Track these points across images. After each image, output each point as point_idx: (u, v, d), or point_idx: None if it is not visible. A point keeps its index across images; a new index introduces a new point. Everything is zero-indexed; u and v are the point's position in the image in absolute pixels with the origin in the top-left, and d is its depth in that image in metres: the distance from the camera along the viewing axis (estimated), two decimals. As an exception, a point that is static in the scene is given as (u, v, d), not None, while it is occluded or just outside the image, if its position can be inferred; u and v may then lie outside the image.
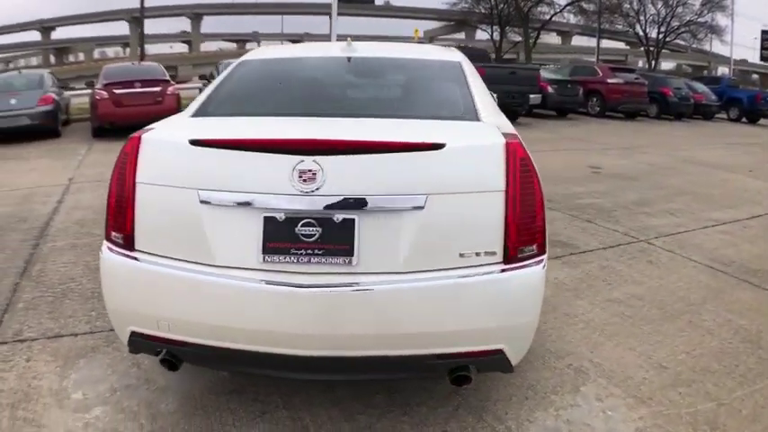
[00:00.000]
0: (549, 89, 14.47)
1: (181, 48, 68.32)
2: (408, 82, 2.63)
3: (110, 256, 1.93)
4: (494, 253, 1.81)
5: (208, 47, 68.74)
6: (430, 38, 37.69)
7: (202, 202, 1.82)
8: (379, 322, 1.77)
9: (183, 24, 67.28)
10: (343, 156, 1.78)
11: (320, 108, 2.31)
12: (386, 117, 2.19)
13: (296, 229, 1.78)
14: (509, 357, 1.87)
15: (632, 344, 2.77)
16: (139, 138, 1.95)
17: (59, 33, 66.31)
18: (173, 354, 1.91)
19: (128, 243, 1.91)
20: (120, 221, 1.92)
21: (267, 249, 1.78)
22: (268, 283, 1.76)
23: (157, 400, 2.24)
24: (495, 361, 1.87)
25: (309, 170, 1.77)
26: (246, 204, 1.79)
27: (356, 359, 1.82)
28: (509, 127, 2.17)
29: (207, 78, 12.12)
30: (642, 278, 3.66)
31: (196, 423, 2.11)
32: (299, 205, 1.76)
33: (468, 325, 1.80)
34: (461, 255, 1.80)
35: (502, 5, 29.53)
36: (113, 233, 1.94)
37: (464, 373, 1.86)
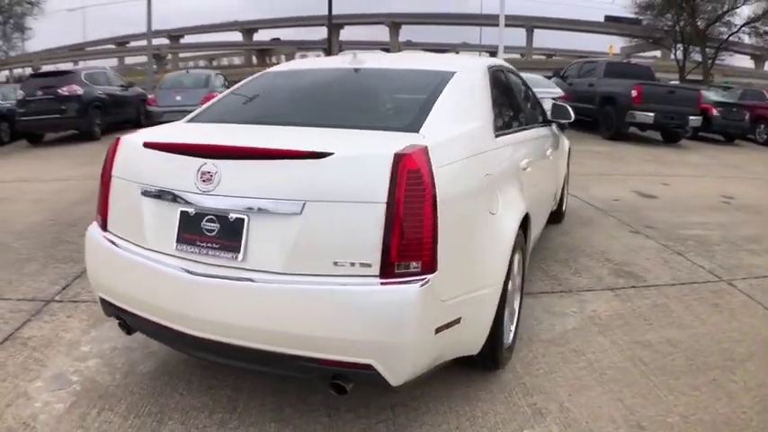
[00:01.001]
0: (714, 112, 12.47)
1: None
2: (380, 93, 2.53)
3: (91, 235, 2.22)
4: (369, 265, 1.71)
5: None
6: (626, 54, 35.31)
7: (142, 194, 2.01)
8: (255, 317, 1.79)
9: (383, 32, 69.95)
10: (236, 160, 1.86)
11: (276, 117, 2.34)
12: (327, 127, 2.14)
13: (201, 223, 1.89)
14: (383, 374, 1.74)
15: (624, 395, 2.31)
16: (119, 139, 2.21)
17: (261, 35, 72.28)
18: (122, 319, 2.14)
19: (103, 225, 2.18)
20: (101, 207, 2.20)
21: (180, 239, 1.92)
22: (175, 268, 1.89)
23: (140, 361, 2.50)
24: (368, 376, 1.75)
25: (208, 172, 1.87)
26: (169, 198, 1.95)
27: (238, 348, 1.84)
28: (443, 140, 1.98)
29: None
30: (693, 322, 3.02)
31: (155, 384, 2.31)
32: (203, 203, 1.87)
33: (335, 333, 1.72)
34: (335, 263, 1.74)
35: (682, 23, 26.09)
36: (98, 216, 2.23)
37: (340, 382, 1.78)
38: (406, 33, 70.26)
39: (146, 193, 2.02)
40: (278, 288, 1.76)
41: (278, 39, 70.63)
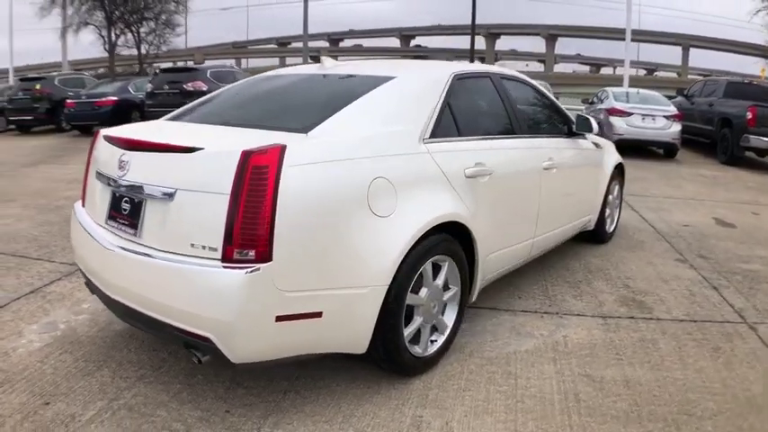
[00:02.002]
0: None
1: (537, 67, 69.06)
2: (312, 97, 2.50)
3: (73, 210, 2.56)
4: (215, 249, 1.79)
5: (564, 68, 68.01)
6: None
7: (96, 176, 2.31)
8: (140, 285, 1.97)
9: (538, 44, 67.30)
10: (139, 152, 2.05)
11: (220, 117, 2.44)
12: (244, 126, 2.20)
13: (120, 203, 2.11)
14: (221, 349, 1.81)
15: (526, 428, 2.02)
16: (97, 131, 2.51)
17: (418, 42, 71.94)
18: (85, 281, 2.45)
19: (82, 202, 2.52)
20: (83, 186, 2.54)
21: (109, 215, 2.17)
22: (102, 239, 2.14)
23: (118, 321, 2.81)
24: (209, 348, 1.84)
25: (123, 161, 2.08)
26: (104, 181, 2.22)
27: (134, 311, 2.02)
28: (319, 141, 2.01)
29: (588, 101, 12.11)
30: (673, 365, 2.51)
31: (116, 340, 2.59)
32: (120, 187, 2.10)
33: (185, 307, 1.84)
34: (192, 245, 1.85)
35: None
36: (81, 197, 2.58)
37: (194, 351, 1.91)
38: (562, 46, 66.83)
39: (98, 176, 2.30)
40: (153, 262, 1.92)
41: (419, 46, 71.15)
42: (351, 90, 2.38)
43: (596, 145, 4.12)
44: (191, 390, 2.22)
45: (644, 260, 4.09)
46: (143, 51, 26.50)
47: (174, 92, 11.15)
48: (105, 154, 2.26)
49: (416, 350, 2.32)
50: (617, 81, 25.10)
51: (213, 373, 2.33)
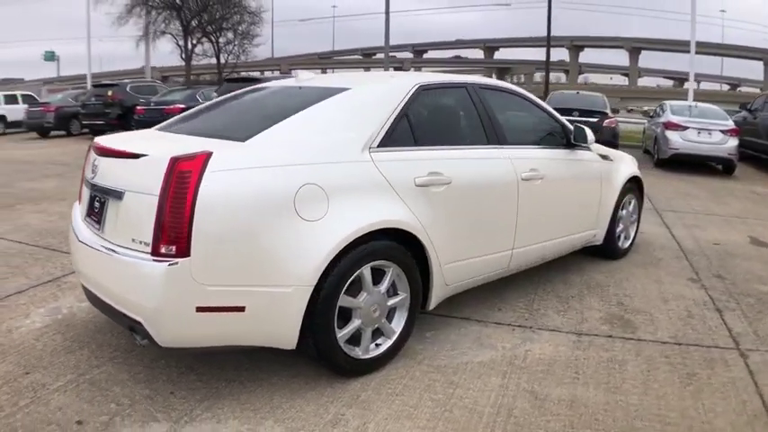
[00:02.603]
0: None
1: (621, 80, 65.70)
2: (271, 108, 2.55)
3: (72, 210, 2.81)
4: (148, 244, 1.92)
5: (649, 82, 64.45)
6: None
7: (84, 179, 2.52)
8: (97, 272, 2.17)
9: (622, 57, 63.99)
10: (105, 158, 2.24)
11: (193, 128, 2.54)
12: (203, 136, 2.30)
13: (93, 202, 2.32)
14: (150, 332, 1.95)
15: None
16: (93, 140, 2.75)
17: (502, 54, 70.17)
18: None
19: (79, 202, 2.76)
20: (80, 189, 2.79)
21: (86, 212, 2.38)
22: (78, 232, 2.36)
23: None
24: (143, 331, 1.97)
25: (95, 165, 2.29)
26: (86, 183, 2.43)
27: (93, 294, 2.22)
28: (248, 150, 2.10)
29: (649, 115, 11.69)
30: (634, 389, 2.29)
31: (105, 326, 2.79)
32: (93, 188, 2.31)
33: (124, 293, 2.02)
34: (133, 240, 1.99)
35: None
36: (78, 197, 2.83)
37: (135, 334, 2.06)
38: (646, 59, 63.07)
39: (84, 178, 2.53)
40: (107, 253, 2.08)
41: (487, 58, 69.24)
42: (304, 102, 2.43)
43: (604, 157, 3.88)
44: (149, 372, 2.35)
45: (652, 278, 3.77)
46: (222, 61, 26.72)
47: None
48: (89, 159, 2.48)
49: (356, 352, 2.31)
50: (701, 96, 23.21)
51: (174, 360, 2.45)
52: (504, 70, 68.57)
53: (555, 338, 2.78)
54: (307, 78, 2.92)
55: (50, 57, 31.35)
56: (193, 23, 25.40)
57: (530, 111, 3.45)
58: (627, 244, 4.29)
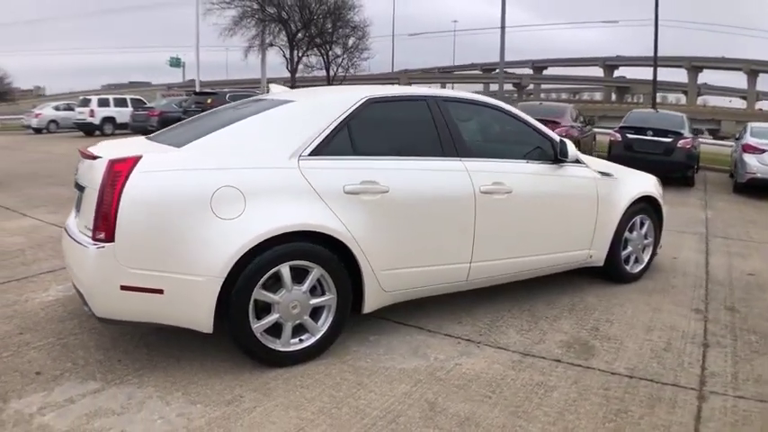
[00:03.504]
0: None
1: (740, 103, 58.99)
2: (225, 118, 2.68)
3: None
4: (90, 230, 2.18)
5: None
6: None
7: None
8: (68, 255, 2.49)
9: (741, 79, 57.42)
10: (83, 159, 2.53)
11: (164, 137, 2.74)
12: (165, 144, 2.52)
13: (78, 197, 2.63)
14: (88, 304, 2.27)
15: (308, 425, 1.94)
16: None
17: (622, 72, 65.43)
18: None
19: None
20: None
21: (76, 208, 2.69)
22: (70, 222, 2.65)
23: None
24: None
25: (78, 166, 2.61)
26: (76, 184, 2.74)
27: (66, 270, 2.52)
28: (177, 155, 2.32)
29: (735, 137, 10.64)
30: (542, 417, 2.06)
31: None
32: (78, 186, 2.61)
33: (77, 269, 2.35)
34: (86, 226, 2.27)
35: None
36: None
37: (85, 303, 2.32)
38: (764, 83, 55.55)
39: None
40: (73, 239, 2.38)
41: (606, 76, 64.31)
42: (250, 113, 2.59)
43: (605, 174, 3.54)
44: (112, 343, 2.59)
45: (651, 305, 3.34)
46: (332, 73, 26.98)
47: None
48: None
49: (275, 344, 2.38)
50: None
51: (138, 337, 2.68)
52: (623, 89, 63.69)
53: (495, 356, 2.61)
54: (276, 92, 3.08)
55: (176, 63, 31.20)
56: (299, 36, 25.81)
57: (508, 124, 3.28)
58: (638, 268, 3.85)
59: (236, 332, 2.29)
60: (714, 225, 5.81)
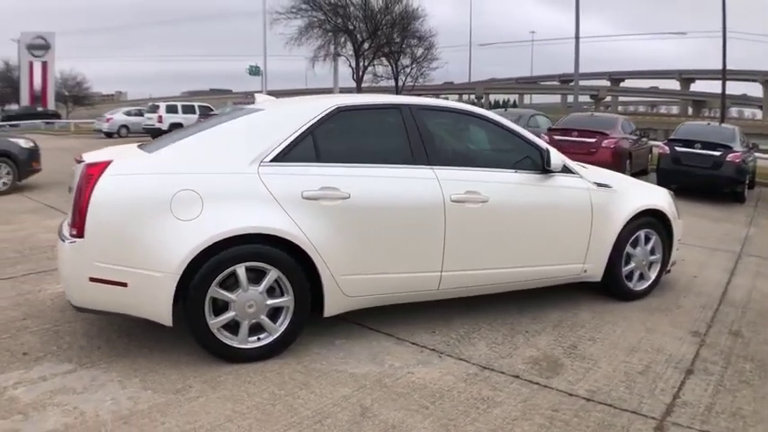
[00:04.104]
0: None
1: None
2: (203, 126, 2.80)
3: None
4: (69, 225, 2.39)
5: None
6: None
7: None
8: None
9: None
10: (76, 163, 2.70)
11: (152, 145, 2.88)
12: (146, 151, 2.66)
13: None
14: (66, 294, 2.46)
15: (239, 417, 1.97)
16: None
17: (698, 86, 62.34)
18: None
19: None
20: None
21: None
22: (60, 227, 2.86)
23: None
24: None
25: (73, 171, 2.80)
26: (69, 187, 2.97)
27: None
28: (145, 160, 2.51)
29: None
30: (470, 429, 1.96)
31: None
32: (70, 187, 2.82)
33: (59, 268, 2.53)
34: (68, 223, 2.49)
35: None
36: None
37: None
38: None
39: None
40: (59, 237, 2.57)
41: (682, 89, 59.93)
42: (223, 121, 2.70)
43: (602, 185, 3.31)
44: (98, 332, 2.75)
45: (647, 325, 3.07)
46: (401, 83, 26.70)
47: None
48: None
49: (233, 341, 2.46)
50: None
51: (124, 328, 2.84)
52: (699, 103, 59.39)
53: (453, 367, 2.52)
54: (260, 101, 3.19)
55: (255, 71, 31.15)
56: (365, 46, 25.84)
57: (492, 133, 3.18)
58: (643, 285, 3.56)
59: (193, 327, 2.39)
60: (752, 244, 5.25)
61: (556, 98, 60.61)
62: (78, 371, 2.36)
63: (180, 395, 2.20)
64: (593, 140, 8.89)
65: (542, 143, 3.20)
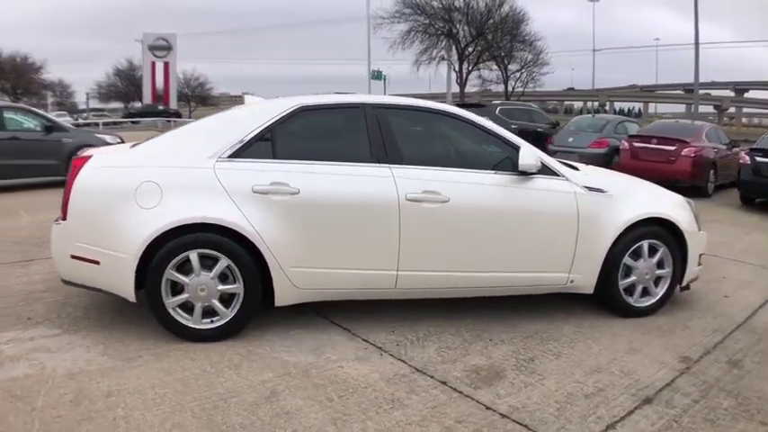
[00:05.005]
0: None
1: None
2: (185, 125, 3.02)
3: None
4: None
5: None
6: None
7: None
8: None
9: None
10: None
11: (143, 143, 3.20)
12: (131, 147, 2.99)
13: None
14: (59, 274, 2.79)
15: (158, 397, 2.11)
16: None
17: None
18: None
19: None
20: None
21: None
22: None
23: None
24: None
25: None
26: None
27: None
28: (121, 155, 2.82)
29: None
30: (358, 425, 1.88)
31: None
32: None
33: (53, 249, 2.80)
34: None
35: None
36: None
37: None
38: None
39: None
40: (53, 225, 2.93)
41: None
42: (201, 120, 2.94)
43: (594, 190, 2.98)
44: (96, 306, 3.11)
45: (633, 346, 2.71)
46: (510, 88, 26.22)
47: None
48: None
49: (189, 321, 2.64)
50: None
51: (118, 305, 3.12)
52: None
53: (386, 367, 2.47)
54: (248, 102, 3.35)
55: (378, 76, 31.31)
56: (468, 50, 25.29)
57: (465, 133, 3.03)
58: (648, 302, 3.13)
59: (152, 305, 2.62)
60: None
61: (681, 107, 54.89)
62: (61, 335, 2.71)
63: (127, 362, 2.43)
64: (672, 148, 7.95)
65: (520, 143, 2.96)
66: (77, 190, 2.63)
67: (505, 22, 25.61)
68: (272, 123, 2.77)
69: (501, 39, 25.56)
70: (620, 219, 3.00)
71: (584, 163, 10.53)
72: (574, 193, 2.96)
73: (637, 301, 3.13)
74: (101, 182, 2.64)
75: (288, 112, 2.80)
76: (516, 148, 2.94)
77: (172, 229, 2.55)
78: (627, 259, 3.06)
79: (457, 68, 26.06)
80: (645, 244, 3.07)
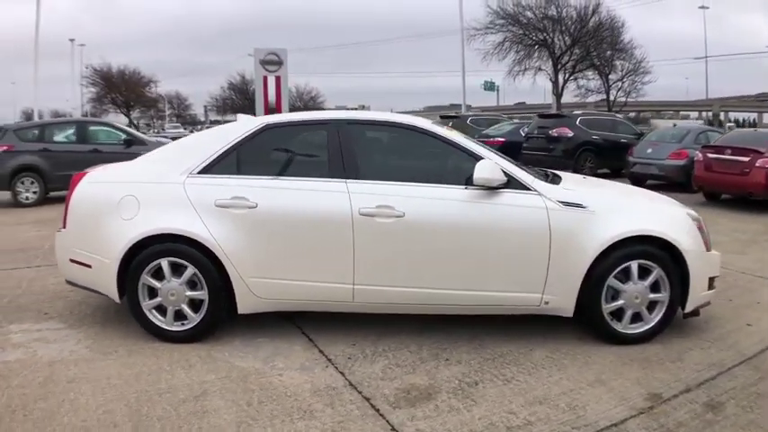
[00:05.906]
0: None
1: None
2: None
3: None
4: None
5: None
6: None
7: None
8: None
9: None
10: None
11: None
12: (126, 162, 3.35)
13: None
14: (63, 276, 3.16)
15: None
16: None
17: None
18: None
19: None
20: None
21: None
22: None
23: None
24: None
25: None
26: None
27: None
28: (110, 170, 3.11)
29: None
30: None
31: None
32: None
33: (56, 253, 3.22)
34: None
35: None
36: None
37: None
38: None
39: None
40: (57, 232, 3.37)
41: None
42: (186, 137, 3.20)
43: (569, 204, 2.72)
44: (104, 306, 3.44)
45: (599, 377, 2.43)
46: (612, 98, 24.95)
47: (542, 136, 10.79)
48: None
49: (163, 323, 2.87)
50: None
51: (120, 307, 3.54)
52: None
53: (323, 379, 2.48)
54: (239, 120, 3.55)
55: (490, 87, 30.85)
56: (564, 59, 24.37)
57: (431, 147, 2.94)
58: (641, 329, 2.78)
59: (131, 306, 2.90)
60: None
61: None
62: (64, 330, 3.10)
63: (103, 355, 2.72)
64: (746, 159, 6.98)
65: (485, 155, 2.80)
66: (74, 202, 3.01)
67: (600, 30, 24.22)
68: (240, 141, 2.94)
69: (596, 47, 24.20)
70: (601, 236, 2.70)
71: (662, 175, 9.64)
72: (545, 208, 2.73)
73: (626, 328, 2.77)
74: (92, 195, 2.99)
75: (254, 130, 2.96)
76: (471, 159, 2.79)
77: (146, 238, 2.81)
78: (612, 281, 2.73)
79: (553, 78, 24.94)
80: (634, 264, 2.73)
